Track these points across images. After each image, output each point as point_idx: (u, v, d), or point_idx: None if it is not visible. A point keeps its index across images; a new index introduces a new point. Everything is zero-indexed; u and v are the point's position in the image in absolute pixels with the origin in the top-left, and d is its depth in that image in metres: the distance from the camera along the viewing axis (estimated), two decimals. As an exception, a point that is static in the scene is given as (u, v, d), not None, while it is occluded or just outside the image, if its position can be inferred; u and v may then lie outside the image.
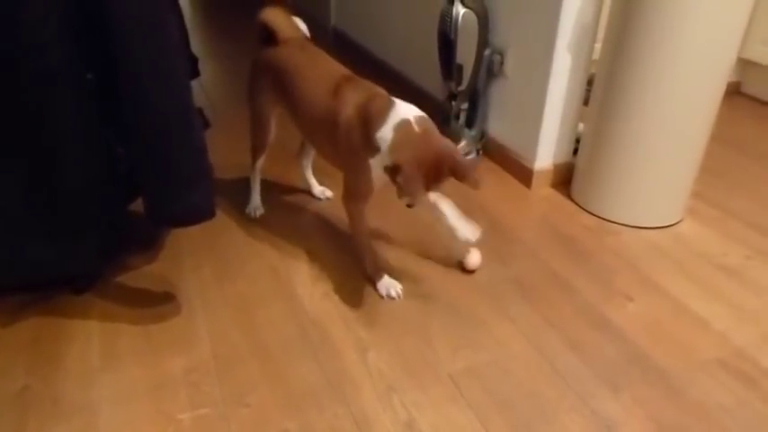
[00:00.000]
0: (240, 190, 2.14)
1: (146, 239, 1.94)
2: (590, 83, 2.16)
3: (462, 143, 2.43)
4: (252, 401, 1.39)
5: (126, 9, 1.31)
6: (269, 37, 1.84)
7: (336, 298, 1.72)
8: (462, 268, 1.84)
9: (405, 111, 1.54)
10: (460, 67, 2.31)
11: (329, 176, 2.19)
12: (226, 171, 2.24)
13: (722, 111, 1.98)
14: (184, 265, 1.84)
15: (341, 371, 1.48)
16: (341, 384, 1.44)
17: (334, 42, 4.00)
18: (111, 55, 1.32)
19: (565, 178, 2.31)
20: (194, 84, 1.64)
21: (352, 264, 1.84)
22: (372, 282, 1.75)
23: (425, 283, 1.79)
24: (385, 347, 1.55)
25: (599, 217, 2.13)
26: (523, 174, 2.34)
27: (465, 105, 2.47)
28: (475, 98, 2.45)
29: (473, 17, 2.24)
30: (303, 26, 1.93)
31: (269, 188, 2.19)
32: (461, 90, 2.39)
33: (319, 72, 1.75)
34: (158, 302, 1.70)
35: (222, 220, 2.04)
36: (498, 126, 2.47)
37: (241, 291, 1.74)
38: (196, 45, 2.02)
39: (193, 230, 1.84)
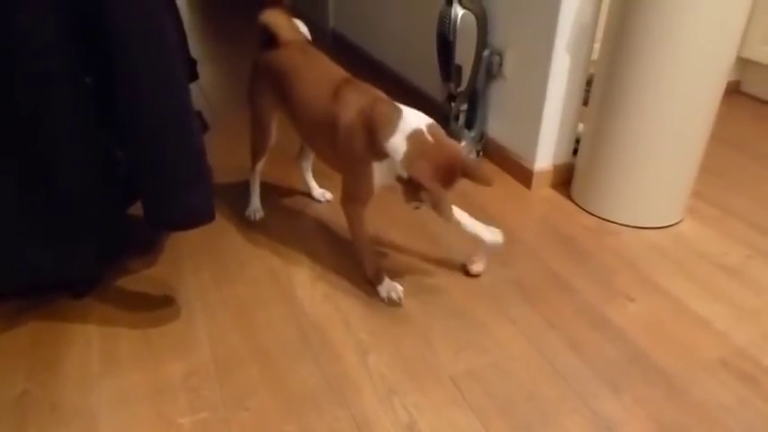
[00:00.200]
0: (240, 193, 2.14)
1: (145, 243, 1.94)
2: (589, 83, 2.16)
3: (462, 144, 2.43)
4: (252, 405, 1.39)
5: (124, 12, 1.31)
6: (269, 39, 1.84)
7: (337, 300, 1.72)
8: (466, 272, 1.84)
9: (414, 119, 1.54)
10: (459, 69, 2.31)
11: (329, 179, 2.19)
12: (225, 174, 2.23)
13: (722, 110, 1.98)
14: (184, 269, 1.83)
15: (341, 373, 1.48)
16: (341, 387, 1.44)
17: (333, 44, 4.00)
18: (108, 57, 1.32)
19: (565, 179, 2.31)
20: (193, 86, 1.64)
21: (352, 266, 1.83)
22: (373, 285, 1.75)
23: (426, 285, 1.78)
24: (385, 350, 1.55)
25: (599, 217, 2.12)
26: (523, 174, 2.33)
27: (464, 106, 2.46)
28: (474, 99, 2.45)
29: (472, 18, 2.24)
30: (304, 28, 1.92)
31: (269, 191, 2.19)
32: (460, 91, 2.38)
33: (319, 75, 1.75)
34: (158, 306, 1.69)
35: (222, 224, 2.03)
36: (498, 127, 2.47)
37: (241, 294, 1.74)
38: (195, 47, 2.02)
39: (193, 234, 1.83)
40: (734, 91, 3.27)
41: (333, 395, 1.42)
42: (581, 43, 2.11)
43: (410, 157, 1.49)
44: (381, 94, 1.64)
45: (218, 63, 3.70)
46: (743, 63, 3.16)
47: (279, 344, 1.56)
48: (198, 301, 1.70)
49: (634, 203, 2.07)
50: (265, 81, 1.86)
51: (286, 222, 2.08)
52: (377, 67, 3.38)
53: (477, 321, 1.65)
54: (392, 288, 1.72)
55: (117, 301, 1.70)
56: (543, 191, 2.31)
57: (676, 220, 2.11)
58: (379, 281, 1.73)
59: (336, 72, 1.75)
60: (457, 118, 2.49)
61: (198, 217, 1.52)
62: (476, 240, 1.75)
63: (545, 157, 2.28)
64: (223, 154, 2.28)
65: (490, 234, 1.75)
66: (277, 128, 1.94)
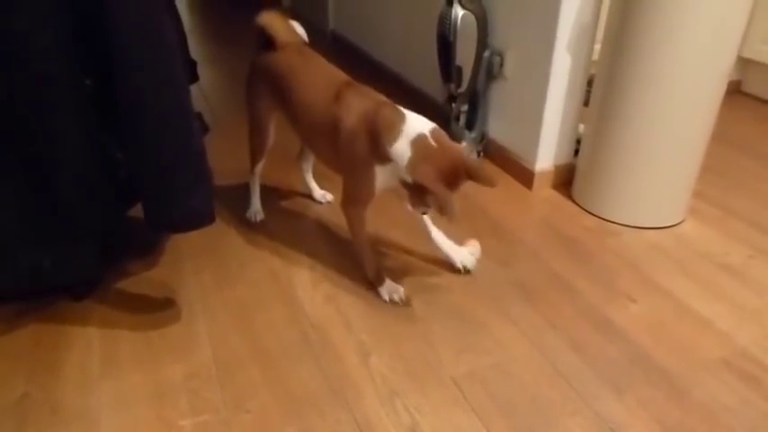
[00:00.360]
0: (240, 195, 2.13)
1: (145, 245, 1.93)
2: (590, 83, 2.16)
3: (462, 145, 2.42)
4: (253, 407, 1.38)
5: (124, 13, 1.30)
6: (267, 41, 1.83)
7: (338, 301, 1.71)
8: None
9: (418, 124, 1.53)
10: (460, 69, 2.31)
11: (329, 180, 2.18)
12: (225, 176, 2.23)
13: (722, 110, 1.97)
14: (184, 271, 1.83)
15: (343, 375, 1.47)
16: (343, 389, 1.44)
17: (333, 46, 4.00)
18: (108, 59, 1.31)
19: (566, 179, 2.30)
20: (193, 88, 1.63)
21: (353, 267, 1.83)
22: (374, 287, 1.74)
23: (427, 285, 1.78)
24: (387, 351, 1.54)
25: (600, 218, 2.12)
26: (524, 175, 2.33)
27: (465, 107, 2.46)
28: (475, 100, 2.44)
29: (472, 19, 2.24)
30: (301, 30, 1.92)
31: (269, 192, 2.19)
32: (461, 92, 2.38)
33: (318, 77, 1.75)
34: (158, 308, 1.69)
35: (222, 225, 2.03)
36: (498, 128, 2.47)
37: (241, 295, 1.74)
38: (195, 49, 2.02)
39: (193, 235, 1.83)
40: (735, 91, 3.27)
41: (334, 397, 1.41)
42: (581, 44, 2.10)
43: (414, 161, 1.49)
44: (384, 98, 1.64)
45: (219, 65, 3.70)
46: (744, 63, 3.16)
47: (280, 345, 1.56)
48: (199, 303, 1.70)
49: (635, 204, 2.07)
50: (263, 83, 1.86)
51: (287, 224, 2.08)
52: (377, 68, 3.38)
53: (479, 322, 1.64)
54: (394, 289, 1.72)
55: (117, 304, 1.70)
56: (544, 191, 2.31)
57: (678, 221, 2.10)
58: (381, 282, 1.73)
59: (336, 75, 1.74)
60: (458, 119, 2.48)
61: (198, 219, 1.51)
62: (449, 258, 1.85)
63: (546, 158, 2.28)
64: (223, 156, 2.28)
65: (460, 257, 1.84)
66: (276, 129, 1.94)
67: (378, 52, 3.45)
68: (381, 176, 1.61)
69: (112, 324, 1.62)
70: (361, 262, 1.77)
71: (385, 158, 1.55)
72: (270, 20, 1.83)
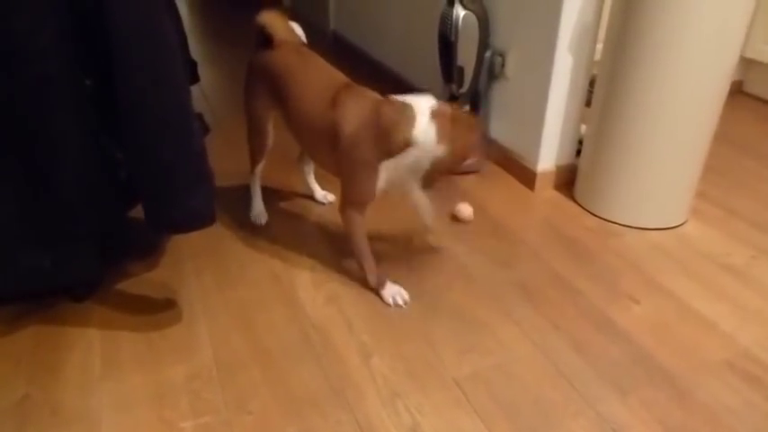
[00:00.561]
0: (241, 195, 2.13)
1: (146, 246, 1.93)
2: (592, 84, 2.15)
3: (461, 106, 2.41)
4: (254, 408, 1.38)
5: (124, 12, 1.30)
6: (266, 40, 1.83)
7: (339, 302, 1.71)
8: (456, 220, 2.08)
9: (423, 101, 1.58)
10: (461, 70, 2.30)
11: (331, 182, 2.18)
12: (226, 176, 2.22)
13: (724, 110, 1.97)
14: (185, 271, 1.83)
15: (344, 376, 1.47)
16: (344, 390, 1.43)
17: (334, 46, 4.00)
18: (108, 59, 1.31)
19: (568, 180, 2.30)
20: (194, 89, 1.63)
21: (354, 268, 1.82)
22: (376, 290, 1.74)
23: (428, 286, 1.77)
24: (388, 352, 1.54)
25: (602, 218, 2.11)
26: (526, 176, 2.32)
27: (466, 108, 2.46)
28: (476, 100, 2.44)
29: (473, 19, 2.23)
30: (300, 31, 1.91)
31: (270, 194, 2.18)
32: (462, 92, 2.38)
33: (315, 79, 1.73)
34: (159, 309, 1.69)
35: (223, 226, 2.02)
36: (500, 128, 2.46)
37: (243, 296, 1.73)
38: (195, 49, 2.02)
39: (194, 236, 1.83)
40: (737, 91, 3.26)
41: (336, 398, 1.41)
42: (583, 44, 2.10)
43: (443, 133, 1.54)
44: (379, 96, 1.64)
45: (219, 65, 3.69)
46: (746, 63, 3.15)
47: (281, 346, 1.56)
48: (199, 304, 1.70)
49: (637, 204, 2.06)
50: (260, 82, 1.85)
51: (288, 224, 2.07)
52: (378, 69, 3.37)
53: (481, 323, 1.64)
54: (396, 292, 1.71)
55: (118, 305, 1.69)
56: (546, 192, 2.30)
57: (680, 222, 2.09)
58: (383, 286, 1.72)
59: (333, 76, 1.74)
60: (459, 119, 2.48)
61: (199, 219, 1.51)
62: (422, 216, 1.93)
63: (548, 159, 2.28)
64: (224, 156, 2.27)
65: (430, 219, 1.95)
66: (276, 129, 1.93)
67: (378, 52, 3.45)
68: (386, 173, 1.61)
69: (113, 325, 1.62)
70: (361, 267, 1.76)
71: (395, 151, 1.56)
72: (270, 18, 1.83)
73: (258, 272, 1.83)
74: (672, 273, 1.85)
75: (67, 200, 1.47)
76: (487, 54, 2.33)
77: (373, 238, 1.93)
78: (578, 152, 2.29)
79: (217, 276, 1.81)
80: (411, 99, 1.59)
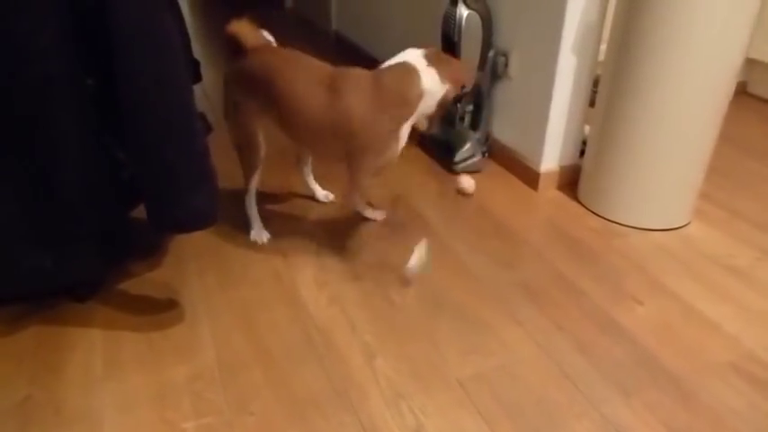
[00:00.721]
0: (243, 195, 2.12)
1: (148, 246, 1.92)
2: (596, 84, 2.14)
3: (467, 146, 2.41)
4: (256, 409, 1.37)
5: (126, 14, 1.30)
6: (237, 50, 1.78)
7: (342, 303, 1.70)
8: (462, 194, 2.21)
9: (410, 52, 1.75)
10: (464, 69, 2.29)
11: (331, 182, 2.17)
12: (228, 176, 2.20)
13: (728, 111, 1.96)
14: (188, 272, 1.82)
15: (347, 377, 1.46)
16: (347, 391, 1.43)
17: (336, 46, 3.99)
18: (110, 58, 1.30)
19: (571, 180, 2.29)
20: (196, 88, 1.62)
21: (357, 268, 1.82)
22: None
23: (431, 287, 1.77)
24: (392, 353, 1.53)
25: (606, 219, 2.11)
26: (529, 176, 2.32)
27: (469, 107, 2.45)
28: (479, 100, 2.43)
29: (477, 19, 2.22)
30: (270, 37, 1.87)
31: (271, 194, 2.18)
32: (465, 92, 2.36)
33: (303, 74, 1.72)
34: (161, 309, 1.68)
35: (225, 226, 2.02)
36: (503, 128, 2.46)
37: (245, 296, 1.73)
38: (198, 49, 2.01)
39: (196, 236, 1.83)
40: (741, 92, 3.26)
41: (339, 399, 1.40)
42: (587, 44, 2.09)
43: (441, 71, 1.72)
44: (368, 71, 1.73)
45: (221, 65, 3.68)
46: (749, 64, 3.14)
47: (283, 347, 1.55)
48: (202, 304, 1.69)
49: (641, 205, 2.05)
50: (243, 91, 1.79)
51: (289, 225, 2.07)
52: (380, 69, 3.36)
53: (484, 324, 1.63)
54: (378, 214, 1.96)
55: (120, 305, 1.69)
56: (549, 192, 2.29)
57: (684, 223, 2.09)
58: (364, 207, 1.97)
59: (319, 66, 1.74)
60: (462, 119, 2.47)
61: (201, 219, 1.51)
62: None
63: (551, 159, 2.27)
64: (226, 156, 2.26)
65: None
66: (266, 130, 1.88)
67: (381, 52, 3.44)
68: (405, 130, 1.75)
69: (115, 325, 1.61)
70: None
71: (413, 110, 1.71)
72: (238, 27, 1.76)
73: (260, 272, 1.83)
74: (676, 274, 1.84)
75: (69, 200, 1.46)
76: (491, 54, 2.32)
77: (377, 240, 1.94)
78: (582, 152, 2.28)
79: (219, 276, 1.80)
80: (400, 58, 1.74)
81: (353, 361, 1.51)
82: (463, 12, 2.20)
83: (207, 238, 1.92)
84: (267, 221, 2.02)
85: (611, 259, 1.91)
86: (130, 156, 1.53)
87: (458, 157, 2.40)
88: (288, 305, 1.70)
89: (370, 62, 1.79)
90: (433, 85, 1.71)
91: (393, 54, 1.81)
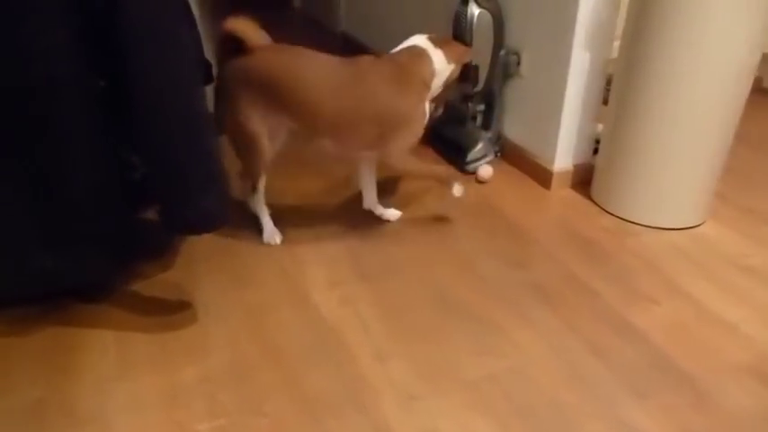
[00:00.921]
0: (248, 197, 2.12)
1: (159, 247, 1.92)
2: (609, 82, 2.13)
3: (479, 146, 2.40)
4: (269, 411, 1.37)
5: (137, 15, 1.30)
6: (235, 48, 1.73)
7: (354, 304, 1.70)
8: (479, 181, 2.30)
9: (416, 38, 1.88)
10: (476, 68, 2.28)
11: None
12: (237, 176, 2.21)
13: (744, 108, 1.94)
14: (198, 272, 1.82)
15: (359, 378, 1.46)
16: (360, 392, 1.42)
17: (344, 47, 3.98)
18: (122, 59, 1.30)
19: (584, 179, 2.27)
20: (208, 89, 1.62)
21: (368, 269, 1.81)
22: (449, 184, 1.95)
23: (443, 288, 1.76)
24: (404, 354, 1.53)
25: (619, 218, 2.09)
26: (542, 175, 2.30)
27: (481, 107, 2.44)
28: (491, 99, 2.42)
29: (488, 17, 2.21)
30: (268, 38, 1.83)
31: (281, 193, 2.17)
32: (477, 91, 2.35)
33: (320, 68, 1.77)
34: (173, 310, 1.68)
35: (236, 227, 2.01)
36: (515, 127, 2.44)
37: (256, 297, 1.72)
38: (209, 50, 2.00)
39: (207, 237, 1.82)
40: (756, 89, 3.19)
41: (351, 400, 1.40)
42: (600, 41, 2.08)
43: (447, 52, 1.87)
44: (382, 57, 1.86)
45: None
46: (765, 59, 3.09)
47: (296, 348, 1.55)
48: (214, 305, 1.69)
49: (655, 204, 2.03)
50: (250, 90, 1.73)
51: (301, 224, 2.06)
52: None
53: (496, 325, 1.62)
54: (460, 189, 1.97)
55: (132, 306, 1.69)
56: (562, 191, 2.28)
57: (699, 222, 2.07)
58: (454, 178, 2.00)
59: (332, 59, 1.79)
60: (474, 118, 2.46)
61: (212, 220, 1.50)
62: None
63: (564, 158, 2.25)
64: (234, 157, 2.26)
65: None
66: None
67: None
68: (427, 108, 1.87)
69: (127, 326, 1.61)
70: (437, 180, 2.05)
71: (429, 86, 1.85)
72: (240, 25, 1.72)
73: (271, 272, 1.82)
74: (690, 274, 1.82)
75: (78, 201, 1.46)
76: (502, 53, 2.31)
77: (388, 240, 1.93)
78: (595, 151, 2.27)
79: (230, 277, 1.80)
80: (410, 42, 1.87)
81: (365, 361, 1.50)
82: (474, 10, 2.19)
83: (217, 238, 1.92)
84: (275, 222, 2.00)
85: (625, 259, 1.89)
86: (141, 156, 1.53)
87: (469, 157, 2.39)
88: (299, 306, 1.69)
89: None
90: (441, 66, 1.85)
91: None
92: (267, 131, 1.79)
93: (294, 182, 2.29)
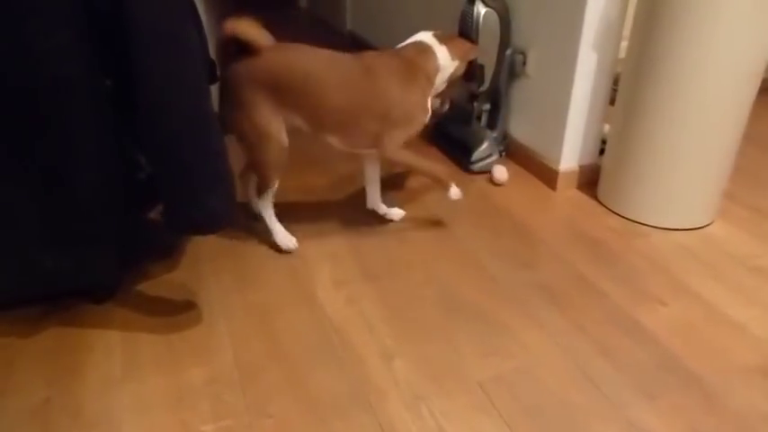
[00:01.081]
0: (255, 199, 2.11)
1: (165, 247, 1.92)
2: (616, 82, 2.11)
3: (484, 145, 2.39)
4: (275, 411, 1.36)
5: (143, 15, 1.29)
6: (237, 50, 1.72)
7: (360, 304, 1.69)
8: (494, 183, 2.28)
9: (422, 34, 1.90)
10: (482, 68, 2.27)
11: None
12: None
13: (752, 108, 1.92)
14: (204, 273, 1.81)
15: (365, 379, 1.45)
16: (366, 393, 1.41)
17: (351, 46, 3.98)
18: (128, 59, 1.30)
19: (591, 179, 2.26)
20: (214, 88, 1.62)
21: (374, 268, 1.80)
22: (446, 187, 1.94)
23: (450, 288, 1.75)
24: (411, 355, 1.52)
25: (627, 218, 2.08)
26: (548, 175, 2.29)
27: (487, 106, 2.43)
28: (497, 99, 2.41)
29: (495, 17, 2.20)
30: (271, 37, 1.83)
31: (287, 192, 2.16)
32: (483, 91, 2.35)
33: (331, 66, 1.78)
34: (179, 311, 1.68)
35: (242, 226, 2.01)
36: (521, 127, 2.43)
37: (262, 297, 1.72)
38: (214, 50, 2.00)
39: (213, 237, 1.82)
40: (765, 88, 3.18)
41: (357, 401, 1.39)
42: (607, 40, 2.06)
43: (451, 49, 1.89)
44: (388, 52, 1.86)
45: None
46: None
47: (302, 348, 1.54)
48: (219, 305, 1.68)
49: (663, 205, 2.02)
50: (262, 90, 1.72)
51: (306, 224, 2.05)
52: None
53: (504, 325, 1.61)
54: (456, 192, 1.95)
55: (138, 306, 1.68)
56: (569, 192, 2.27)
57: (707, 222, 2.05)
58: (452, 180, 1.96)
59: (340, 55, 1.80)
60: (479, 118, 2.45)
61: (217, 220, 1.50)
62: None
63: (570, 158, 2.24)
64: (241, 157, 2.26)
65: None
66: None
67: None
68: (429, 103, 1.89)
69: (133, 327, 1.61)
70: (434, 179, 1.97)
71: (433, 82, 1.87)
72: (244, 26, 1.69)
73: (277, 272, 1.82)
74: (699, 275, 1.81)
75: (85, 201, 1.46)
76: (508, 52, 2.30)
77: (394, 239, 1.92)
78: (602, 151, 2.25)
79: (236, 277, 1.80)
80: (415, 39, 1.89)
81: (372, 362, 1.50)
82: (481, 10, 2.18)
83: (223, 238, 1.91)
84: (285, 221, 1.98)
85: (633, 259, 1.88)
86: (147, 156, 1.52)
87: (474, 156, 2.38)
88: (305, 306, 1.68)
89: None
90: (445, 62, 1.88)
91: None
92: (283, 131, 1.79)
93: (297, 178, 2.29)
